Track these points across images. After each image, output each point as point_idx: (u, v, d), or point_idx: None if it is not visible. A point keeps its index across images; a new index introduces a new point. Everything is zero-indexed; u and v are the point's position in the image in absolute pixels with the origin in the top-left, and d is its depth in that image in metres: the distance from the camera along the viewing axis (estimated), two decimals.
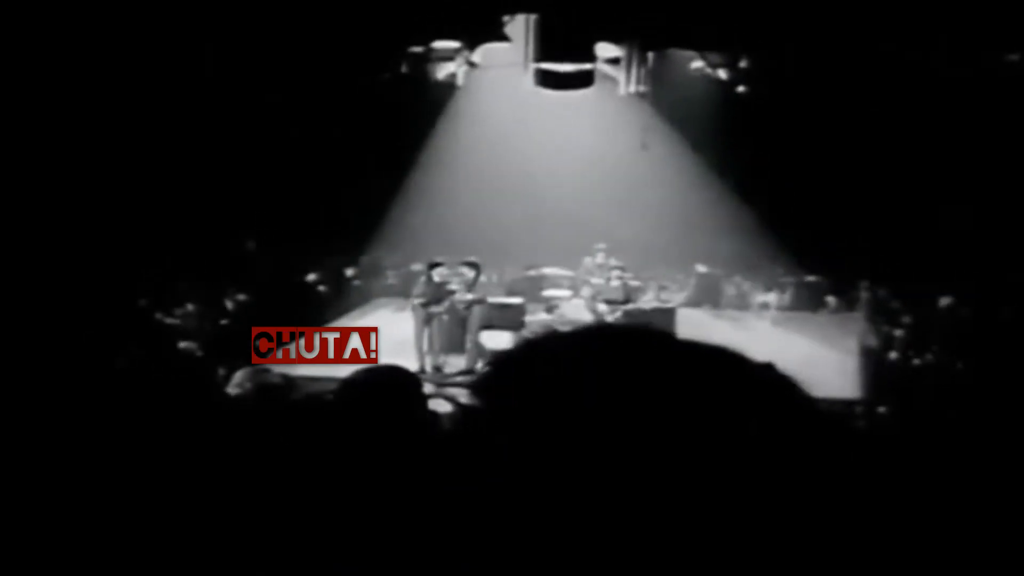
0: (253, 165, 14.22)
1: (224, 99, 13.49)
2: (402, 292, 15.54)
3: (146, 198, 12.97)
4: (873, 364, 12.71)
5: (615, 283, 14.00)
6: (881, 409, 9.88)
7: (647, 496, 0.73)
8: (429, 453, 2.36)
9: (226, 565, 2.43)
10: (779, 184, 15.46)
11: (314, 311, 14.72)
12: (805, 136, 15.00)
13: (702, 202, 16.74)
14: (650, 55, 15.22)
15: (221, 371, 8.57)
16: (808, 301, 16.68)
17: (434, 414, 3.09)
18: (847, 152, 14.81)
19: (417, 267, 15.06)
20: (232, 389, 4.32)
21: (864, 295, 15.32)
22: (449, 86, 16.47)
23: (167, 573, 2.43)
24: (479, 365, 12.78)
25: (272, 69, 13.66)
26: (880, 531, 0.79)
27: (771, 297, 16.91)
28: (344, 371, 3.20)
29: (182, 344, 12.24)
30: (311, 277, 15.87)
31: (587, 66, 14.37)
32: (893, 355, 12.80)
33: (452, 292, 13.14)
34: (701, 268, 17.16)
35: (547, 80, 14.50)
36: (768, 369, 0.82)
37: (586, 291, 14.33)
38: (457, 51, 15.54)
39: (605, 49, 14.64)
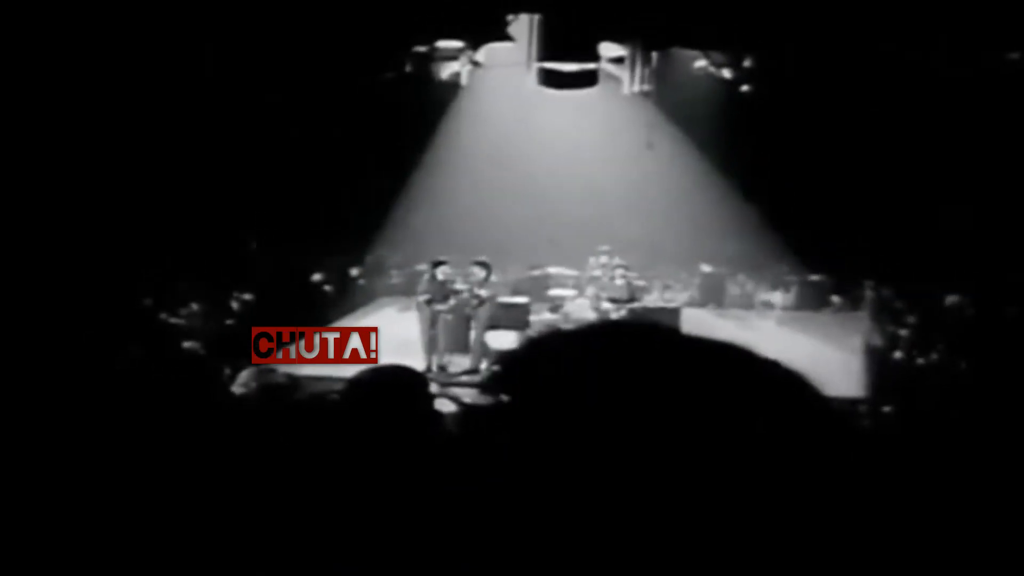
0: (257, 165, 14.23)
1: (228, 98, 13.50)
2: (406, 291, 15.56)
3: (150, 198, 12.98)
4: (877, 363, 12.69)
5: (619, 282, 13.99)
6: (885, 408, 9.86)
7: (653, 493, 0.73)
8: (434, 453, 2.36)
9: (231, 565, 2.44)
10: (783, 183, 15.45)
11: (318, 311, 14.74)
12: (809, 135, 14.99)
13: (706, 201, 16.74)
14: (654, 54, 15.21)
15: (226, 371, 8.57)
16: (812, 300, 16.67)
17: (438, 414, 3.09)
18: (851, 151, 14.80)
19: (422, 266, 15.08)
20: (237, 389, 4.33)
21: (868, 294, 15.30)
22: (453, 86, 16.47)
23: (172, 573, 2.44)
24: (484, 364, 12.79)
25: (276, 69, 13.66)
26: (884, 529, 0.79)
27: (776, 296, 16.91)
28: (350, 371, 3.20)
29: (186, 344, 12.25)
30: (315, 277, 15.89)
31: (591, 65, 14.37)
32: (898, 354, 12.78)
33: (456, 291, 13.14)
34: (706, 267, 17.15)
35: (551, 80, 14.50)
36: (775, 365, 0.82)
37: (591, 290, 14.32)
38: (461, 51, 15.55)
39: (609, 48, 14.63)
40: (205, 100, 13.31)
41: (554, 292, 15.17)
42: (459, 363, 12.97)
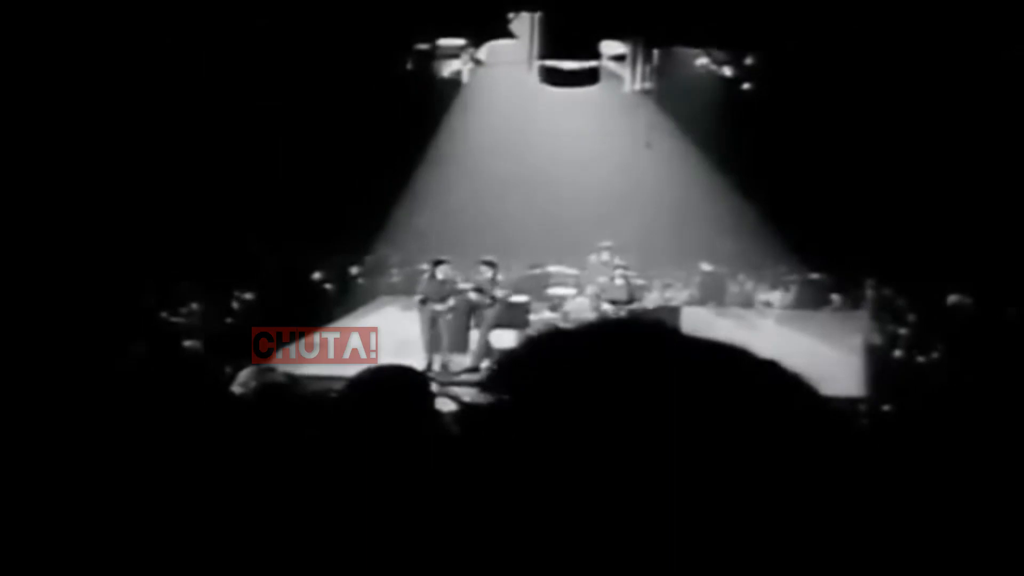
0: (258, 164, 14.23)
1: (229, 98, 13.50)
2: (407, 290, 15.54)
3: (152, 197, 12.99)
4: (877, 362, 12.70)
5: (619, 281, 13.99)
6: (885, 407, 9.87)
7: (652, 493, 0.73)
8: (434, 452, 2.36)
9: (232, 563, 2.44)
10: (783, 182, 15.45)
11: (320, 310, 14.74)
12: (809, 133, 14.99)
13: (707, 200, 16.74)
14: (655, 52, 15.21)
15: (227, 370, 8.58)
16: (812, 299, 16.67)
17: (438, 413, 3.09)
18: (851, 149, 14.80)
19: (422, 266, 15.08)
20: (237, 388, 4.32)
21: (869, 293, 15.29)
22: (454, 84, 16.46)
23: (174, 571, 2.44)
24: (484, 363, 12.78)
25: (277, 67, 13.67)
26: (884, 529, 0.79)
27: (775, 295, 16.91)
28: (350, 371, 3.20)
29: (187, 343, 12.26)
30: (316, 276, 15.89)
31: (592, 63, 14.37)
32: (898, 353, 12.78)
33: (458, 290, 13.13)
34: (705, 266, 17.15)
35: (552, 77, 14.50)
36: (772, 366, 0.82)
37: (590, 289, 14.32)
38: (462, 48, 15.55)
39: (610, 46, 14.63)
40: (206, 99, 13.32)
41: (554, 291, 15.16)
42: (459, 362, 12.97)
